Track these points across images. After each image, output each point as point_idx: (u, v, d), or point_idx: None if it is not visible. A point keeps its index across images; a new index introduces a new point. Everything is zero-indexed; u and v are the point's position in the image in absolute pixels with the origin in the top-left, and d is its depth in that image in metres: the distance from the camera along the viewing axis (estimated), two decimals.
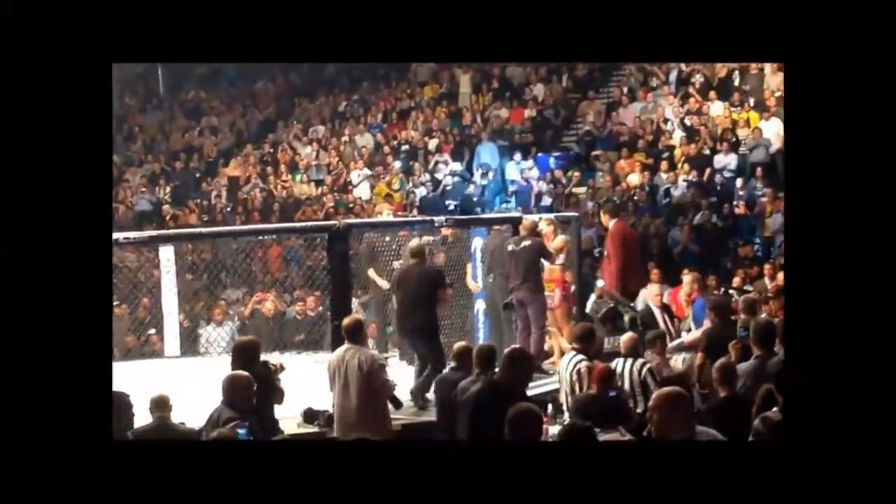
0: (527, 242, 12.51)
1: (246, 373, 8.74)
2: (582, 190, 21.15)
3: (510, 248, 12.62)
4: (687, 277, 13.56)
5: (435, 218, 13.10)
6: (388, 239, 13.78)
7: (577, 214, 15.86)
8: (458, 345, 10.50)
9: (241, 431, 7.52)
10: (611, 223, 14.09)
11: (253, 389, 8.56)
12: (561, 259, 13.26)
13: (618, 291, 13.57)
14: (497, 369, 8.75)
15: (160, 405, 8.84)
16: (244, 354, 9.47)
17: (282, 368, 9.74)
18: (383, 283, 13.87)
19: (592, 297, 13.87)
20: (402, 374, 11.17)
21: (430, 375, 11.03)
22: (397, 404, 10.41)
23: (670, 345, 11.95)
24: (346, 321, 9.97)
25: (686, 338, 12.57)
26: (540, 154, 22.48)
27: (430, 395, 10.86)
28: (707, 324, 11.79)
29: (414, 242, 12.18)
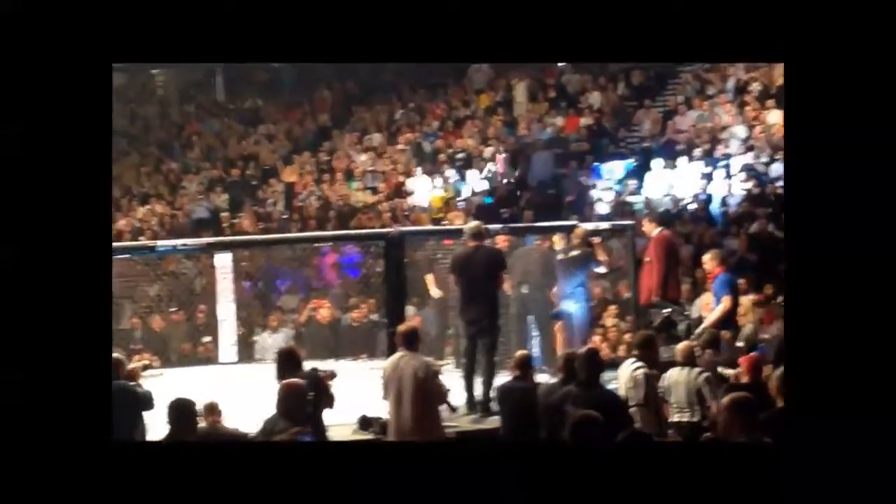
0: (576, 252, 12.49)
1: (301, 381, 8.78)
2: (638, 199, 21.05)
3: (560, 256, 12.59)
4: (707, 256, 13.53)
5: (491, 226, 13.04)
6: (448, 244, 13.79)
7: (632, 223, 15.80)
8: (519, 353, 10.47)
9: (306, 439, 7.53)
10: (655, 231, 13.97)
11: (307, 398, 8.59)
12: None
13: (658, 298, 13.51)
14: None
15: (211, 411, 8.90)
16: (286, 362, 9.53)
17: (332, 376, 9.76)
18: (437, 292, 13.84)
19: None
20: (456, 382, 11.15)
21: (489, 372, 11.03)
22: (452, 408, 10.43)
23: (697, 330, 11.98)
24: (401, 328, 9.99)
25: (707, 318, 12.54)
26: (596, 164, 22.47)
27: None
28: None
29: (472, 223, 12.04)
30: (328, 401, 9.41)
